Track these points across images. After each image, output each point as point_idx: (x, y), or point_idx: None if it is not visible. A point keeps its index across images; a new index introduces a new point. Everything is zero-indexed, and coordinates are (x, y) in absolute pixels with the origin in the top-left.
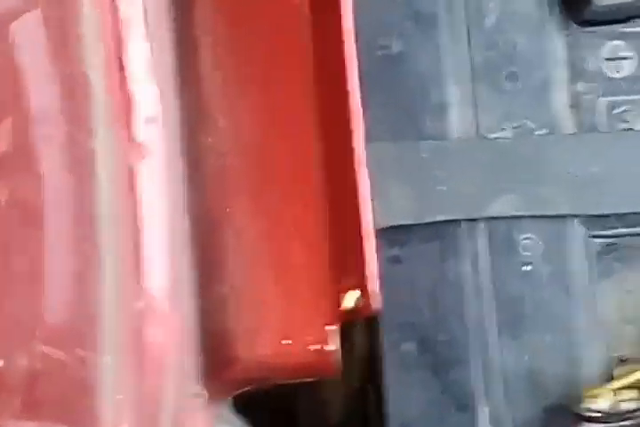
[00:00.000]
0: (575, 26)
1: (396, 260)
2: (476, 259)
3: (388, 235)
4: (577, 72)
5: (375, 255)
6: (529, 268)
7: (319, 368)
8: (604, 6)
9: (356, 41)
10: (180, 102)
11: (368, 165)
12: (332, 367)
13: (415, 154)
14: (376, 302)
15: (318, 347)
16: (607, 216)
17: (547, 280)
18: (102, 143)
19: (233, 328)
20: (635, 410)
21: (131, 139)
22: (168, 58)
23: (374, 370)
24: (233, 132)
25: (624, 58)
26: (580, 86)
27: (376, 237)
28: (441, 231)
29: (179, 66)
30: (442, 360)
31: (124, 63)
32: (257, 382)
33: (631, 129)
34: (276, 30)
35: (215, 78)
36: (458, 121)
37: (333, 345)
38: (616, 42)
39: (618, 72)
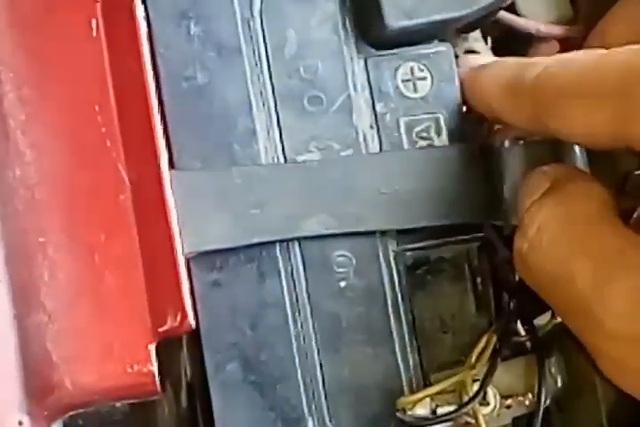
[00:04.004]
0: (372, 49)
1: (215, 283)
2: (292, 278)
3: (206, 260)
4: (377, 94)
5: (186, 275)
6: (344, 283)
7: (141, 388)
8: (396, 29)
9: (159, 74)
10: None
11: (180, 193)
12: (153, 387)
13: (229, 180)
14: (191, 321)
15: (138, 368)
16: (416, 230)
17: (362, 295)
18: None
19: (54, 355)
20: (450, 412)
21: None
22: None
23: (202, 391)
24: (40, 165)
25: (420, 78)
26: (381, 107)
27: (194, 262)
28: (257, 253)
29: None
30: (267, 378)
31: None
32: (81, 406)
33: (431, 145)
34: (75, 64)
35: (19, 114)
36: (266, 146)
37: (153, 365)
38: (411, 63)
39: (416, 92)
